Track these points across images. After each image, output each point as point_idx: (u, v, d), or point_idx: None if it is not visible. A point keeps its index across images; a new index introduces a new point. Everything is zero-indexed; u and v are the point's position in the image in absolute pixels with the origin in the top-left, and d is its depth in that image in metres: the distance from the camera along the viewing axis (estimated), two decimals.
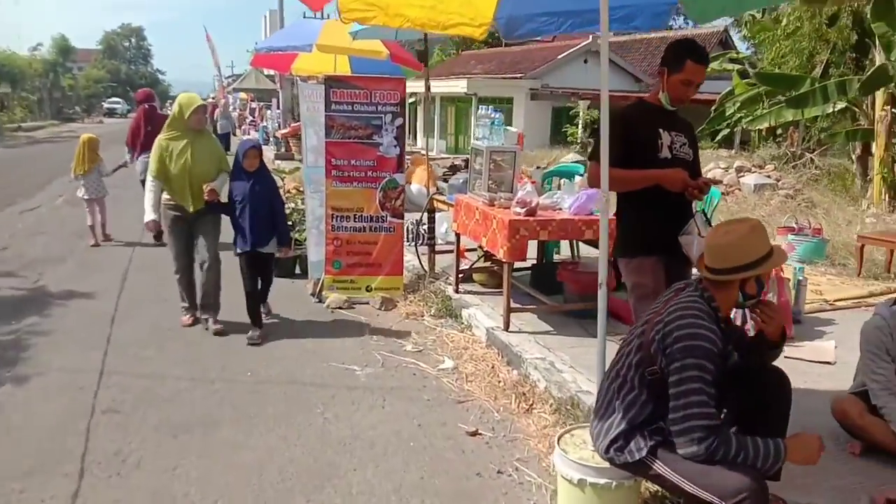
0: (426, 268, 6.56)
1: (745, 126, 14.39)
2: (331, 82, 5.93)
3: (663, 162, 3.19)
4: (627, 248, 3.24)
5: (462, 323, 5.41)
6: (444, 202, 6.42)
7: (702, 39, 31.06)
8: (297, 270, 7.06)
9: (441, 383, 4.37)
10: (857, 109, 12.69)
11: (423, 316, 5.69)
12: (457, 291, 5.91)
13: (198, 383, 4.30)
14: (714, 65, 20.27)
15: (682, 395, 2.26)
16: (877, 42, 11.32)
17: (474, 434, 3.70)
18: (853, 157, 14.61)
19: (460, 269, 5.93)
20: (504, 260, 4.78)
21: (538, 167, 6.38)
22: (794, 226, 7.28)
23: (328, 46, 7.99)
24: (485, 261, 6.17)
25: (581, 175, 5.52)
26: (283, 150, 19.27)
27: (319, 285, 6.16)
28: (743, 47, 24.11)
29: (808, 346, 4.71)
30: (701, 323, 2.32)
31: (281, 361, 4.68)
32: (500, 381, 4.34)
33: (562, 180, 5.48)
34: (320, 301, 6.10)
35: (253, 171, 4.92)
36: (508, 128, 5.47)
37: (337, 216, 6.04)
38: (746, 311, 3.32)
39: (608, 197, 2.77)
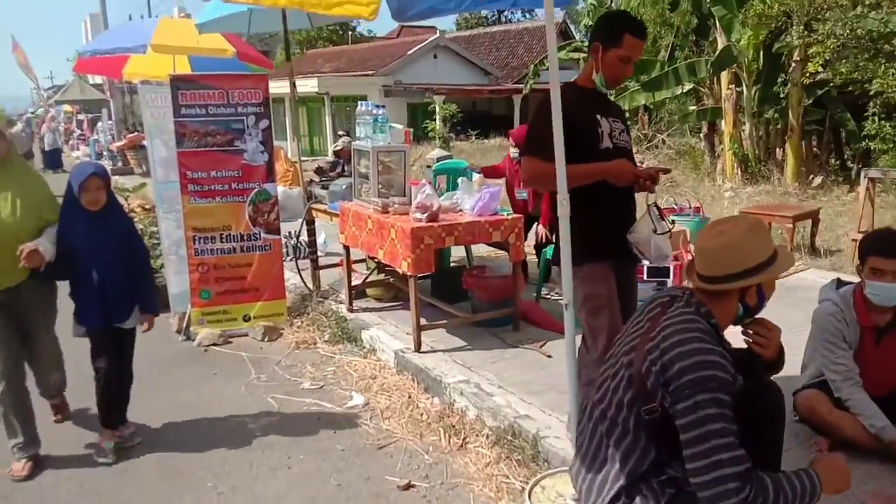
0: (310, 286, 5.84)
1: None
2: (178, 83, 5.04)
3: (604, 153, 2.76)
4: (573, 254, 2.78)
5: (363, 347, 4.76)
6: (324, 211, 5.71)
7: (543, 32, 32.08)
8: None
9: (354, 425, 3.72)
10: (702, 90, 13.32)
11: (315, 343, 4.98)
12: (351, 310, 5.25)
13: (48, 472, 3.36)
14: (561, 54, 20.78)
15: (702, 438, 1.80)
16: (717, 24, 11.85)
17: (407, 487, 3.10)
18: (701, 135, 15.42)
19: (352, 284, 5.27)
20: (408, 273, 4.20)
21: (428, 166, 5.82)
22: (675, 206, 7.27)
23: (164, 46, 7.04)
24: (378, 272, 5.55)
25: (476, 173, 5.05)
26: (119, 164, 17.43)
27: (186, 320, 5.25)
28: (579, 37, 24.94)
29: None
30: (707, 347, 1.87)
31: (150, 425, 3.81)
32: (422, 414, 3.76)
33: (459, 179, 4.98)
34: (189, 339, 5.20)
35: (98, 209, 3.28)
36: (394, 125, 4.89)
37: (200, 238, 5.16)
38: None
39: (565, 198, 2.27)
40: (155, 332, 5.37)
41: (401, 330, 4.78)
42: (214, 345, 5.06)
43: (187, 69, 11.52)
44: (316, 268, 5.84)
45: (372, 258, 5.12)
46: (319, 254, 6.03)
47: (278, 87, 16.02)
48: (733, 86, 11.95)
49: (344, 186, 5.42)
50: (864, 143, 11.04)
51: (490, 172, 5.94)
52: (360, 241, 4.80)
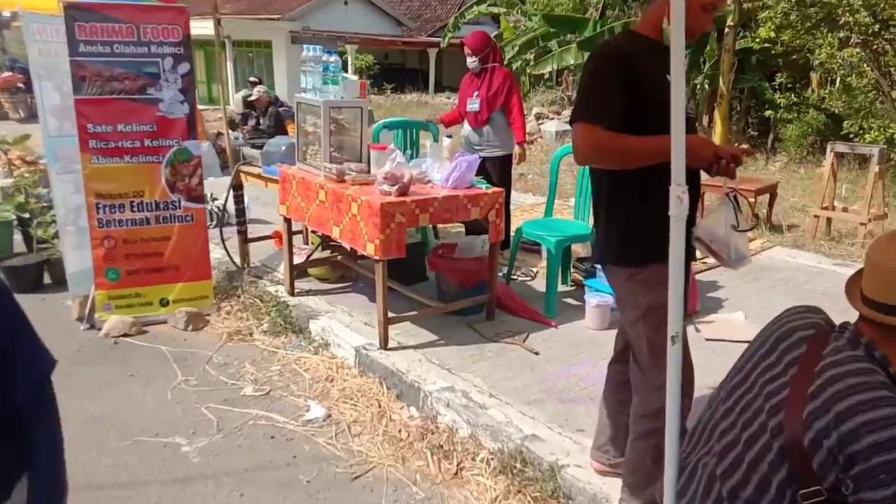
0: (238, 263, 5.01)
1: (529, 71, 14.18)
2: (75, 13, 4.01)
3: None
4: (632, 253, 2.21)
5: (313, 340, 4.05)
6: (257, 175, 4.86)
7: None
8: (48, 280, 5.08)
9: (317, 447, 3.05)
10: None
11: (252, 335, 4.21)
12: (292, 293, 4.50)
13: None
14: (480, 8, 20.03)
15: None
16: None
17: None
18: None
19: (294, 263, 4.50)
20: (377, 258, 3.51)
21: (376, 121, 5.09)
22: None
23: None
24: (323, 249, 4.79)
25: (446, 137, 4.38)
26: None
27: (89, 305, 4.34)
28: None
29: (718, 322, 4.16)
30: None
31: None
32: (399, 430, 3.14)
33: (429, 144, 4.28)
34: (93, 327, 4.30)
35: None
36: (348, 75, 4.11)
37: (104, 206, 4.23)
38: None
39: (682, 190, 1.67)
40: (50, 318, 4.49)
41: (356, 319, 4.10)
42: (126, 335, 4.20)
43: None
44: (245, 240, 5.01)
45: (321, 235, 4.36)
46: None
47: None
48: None
49: (284, 147, 4.58)
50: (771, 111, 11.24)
51: (452, 121, 5.32)
52: (308, 214, 4.04)
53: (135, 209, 4.31)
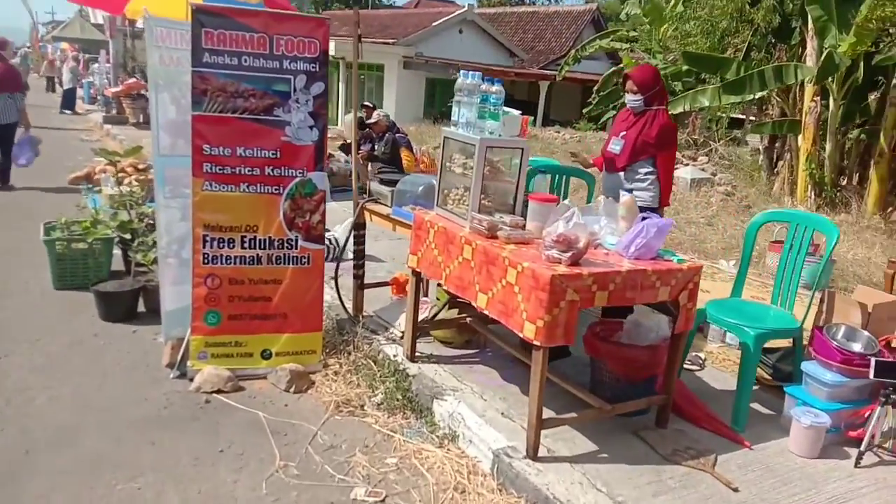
0: (350, 311, 4.37)
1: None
2: (204, 17, 3.51)
3: None
4: None
5: (436, 426, 3.30)
6: (385, 217, 4.20)
7: (573, 18, 30.49)
8: (142, 308, 4.61)
9: None
10: (778, 99, 11.87)
11: (363, 407, 3.52)
12: (412, 359, 3.79)
13: None
14: (602, 43, 19.21)
15: None
16: (807, 27, 10.41)
17: None
18: (760, 147, 14.00)
19: (419, 321, 3.80)
20: (537, 343, 2.74)
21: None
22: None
23: None
24: (450, 307, 4.08)
25: (624, 192, 3.59)
26: (114, 111, 15.77)
27: (182, 349, 3.78)
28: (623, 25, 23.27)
29: None
30: None
31: None
32: None
33: (596, 199, 3.49)
34: (183, 375, 3.74)
35: None
36: (508, 109, 3.40)
37: (212, 239, 3.67)
38: None
39: None
40: (136, 358, 3.97)
41: (490, 405, 3.33)
42: (219, 391, 3.60)
43: None
44: (361, 286, 4.37)
45: (456, 297, 3.64)
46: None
47: None
48: (818, 98, 10.51)
49: (421, 188, 3.91)
50: None
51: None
52: (447, 273, 3.32)
53: (246, 245, 3.73)
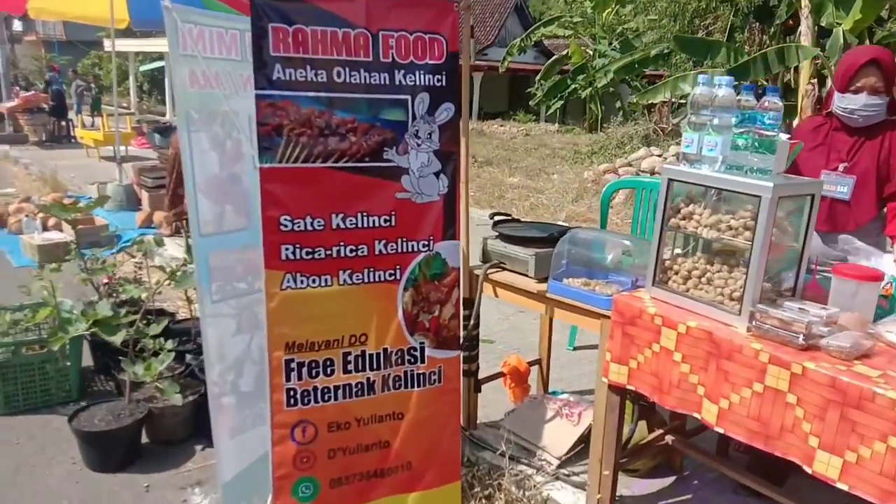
0: (463, 423, 3.05)
1: (636, 100, 12.36)
2: (270, 6, 2.08)
3: None
4: None
5: None
6: (522, 291, 2.86)
7: (495, 6, 29.57)
8: (144, 439, 3.13)
9: None
10: (764, 82, 11.21)
11: None
12: None
13: None
14: (546, 30, 18.34)
15: None
16: (804, 3, 9.73)
17: None
18: None
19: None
20: None
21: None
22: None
23: None
24: (639, 416, 2.80)
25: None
26: (9, 129, 13.45)
27: None
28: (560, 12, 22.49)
29: None
30: None
31: None
32: None
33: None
34: None
35: None
36: (780, 135, 2.17)
37: (300, 365, 2.26)
38: None
39: None
40: None
41: None
42: None
43: (125, 11, 8.23)
44: (477, 387, 3.05)
45: (643, 400, 2.39)
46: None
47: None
48: (815, 81, 9.89)
49: (612, 254, 2.60)
50: None
51: None
52: (720, 408, 2.06)
53: (350, 368, 2.34)
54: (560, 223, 2.87)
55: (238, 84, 2.34)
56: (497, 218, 3.10)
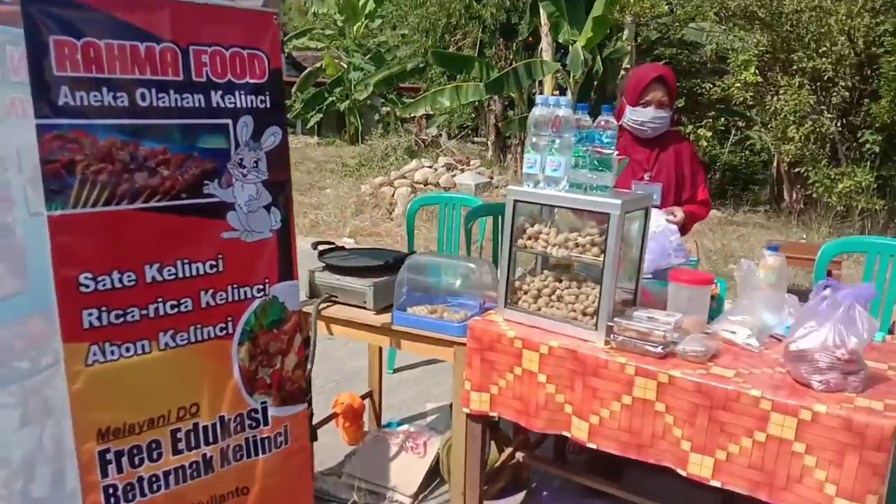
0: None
1: (399, 113, 12.58)
2: (47, 9, 1.64)
3: None
4: None
5: None
6: (360, 325, 2.59)
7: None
8: None
9: None
10: (513, 97, 12.07)
11: None
12: None
13: None
14: (298, 42, 18.16)
15: None
16: (543, 21, 10.69)
17: None
18: (488, 142, 14.32)
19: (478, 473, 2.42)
20: None
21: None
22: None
23: None
24: (490, 438, 2.72)
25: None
26: None
27: None
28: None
29: None
30: None
31: None
32: None
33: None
34: None
35: None
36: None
37: (119, 454, 1.83)
38: None
39: None
40: None
41: None
42: None
43: None
44: (313, 435, 2.77)
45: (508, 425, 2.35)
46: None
47: None
48: (556, 92, 10.92)
49: (460, 277, 2.44)
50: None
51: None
52: (591, 424, 2.05)
53: (181, 447, 1.96)
54: (347, 242, 2.70)
55: (0, 111, 1.83)
56: (321, 247, 2.85)
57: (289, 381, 2.19)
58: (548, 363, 2.12)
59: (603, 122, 2.11)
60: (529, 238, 2.24)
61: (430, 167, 9.64)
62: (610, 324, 2.07)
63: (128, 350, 1.83)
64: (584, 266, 2.24)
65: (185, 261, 1.92)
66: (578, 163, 2.15)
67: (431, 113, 12.55)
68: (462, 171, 9.73)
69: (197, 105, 1.90)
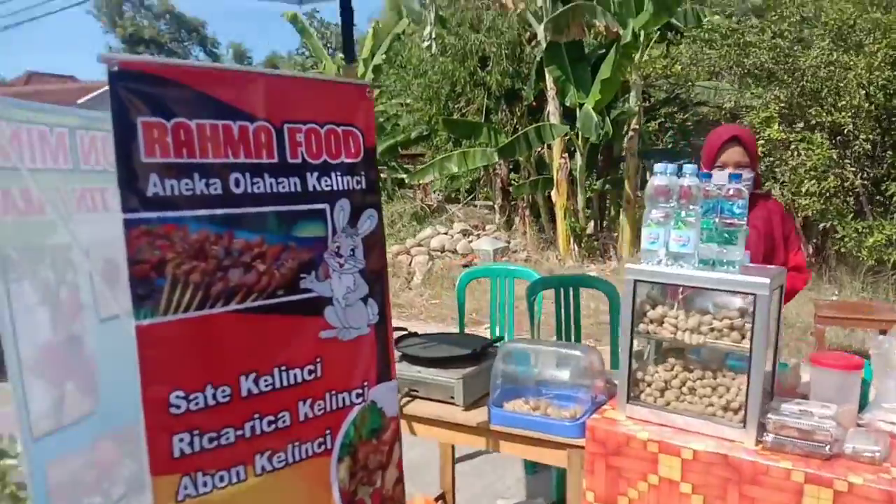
0: None
1: (408, 181, 12.50)
2: (133, 89, 1.42)
3: None
4: None
5: None
6: (450, 425, 2.30)
7: None
8: None
9: None
10: (520, 160, 11.99)
11: None
12: None
13: None
14: None
15: None
16: (549, 85, 10.71)
17: None
18: (495, 206, 14.21)
19: None
20: None
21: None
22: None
23: None
24: None
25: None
26: None
27: None
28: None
29: None
30: None
31: None
32: None
33: None
34: None
35: None
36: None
37: None
38: None
39: None
40: None
41: None
42: None
43: None
44: None
45: None
46: None
47: None
48: (566, 155, 10.86)
49: (569, 370, 2.17)
50: None
51: None
52: None
53: None
54: (478, 334, 2.49)
55: (69, 204, 1.59)
56: (396, 334, 2.58)
57: (390, 499, 1.89)
58: (693, 470, 1.84)
59: (732, 191, 1.89)
60: (652, 322, 1.99)
61: (445, 233, 9.45)
62: (763, 420, 1.80)
63: (221, 479, 1.54)
64: (709, 351, 1.98)
65: (283, 367, 1.65)
66: (704, 236, 1.93)
67: (438, 178, 12.43)
68: (479, 236, 9.53)
69: (293, 189, 1.68)
